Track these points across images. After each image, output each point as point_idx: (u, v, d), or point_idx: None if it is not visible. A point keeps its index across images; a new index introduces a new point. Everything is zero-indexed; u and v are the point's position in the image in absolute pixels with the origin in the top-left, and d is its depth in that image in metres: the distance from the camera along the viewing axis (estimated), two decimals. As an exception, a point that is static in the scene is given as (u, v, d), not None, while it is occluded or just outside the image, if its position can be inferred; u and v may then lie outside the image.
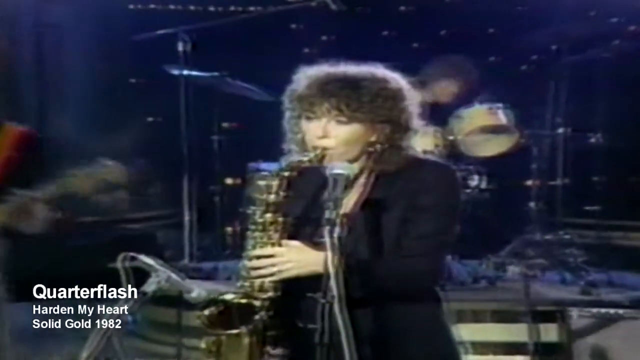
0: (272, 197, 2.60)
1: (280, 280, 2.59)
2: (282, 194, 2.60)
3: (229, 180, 6.20)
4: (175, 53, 5.50)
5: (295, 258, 2.57)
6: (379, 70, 2.67)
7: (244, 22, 5.82)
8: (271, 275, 2.59)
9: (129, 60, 6.33)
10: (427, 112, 2.82)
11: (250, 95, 5.78)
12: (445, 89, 5.60)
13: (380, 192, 2.64)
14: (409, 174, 2.64)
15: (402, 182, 2.63)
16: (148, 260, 2.68)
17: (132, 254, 2.66)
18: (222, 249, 5.86)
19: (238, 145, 6.03)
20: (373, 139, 2.64)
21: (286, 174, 2.61)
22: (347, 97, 2.59)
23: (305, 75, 2.66)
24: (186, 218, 5.65)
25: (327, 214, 2.44)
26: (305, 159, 2.63)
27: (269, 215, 2.60)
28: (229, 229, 5.98)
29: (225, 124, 6.04)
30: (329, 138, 2.62)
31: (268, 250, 2.59)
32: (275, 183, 2.60)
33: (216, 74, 5.71)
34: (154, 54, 5.65)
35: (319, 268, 2.47)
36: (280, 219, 2.60)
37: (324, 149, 2.61)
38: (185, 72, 5.51)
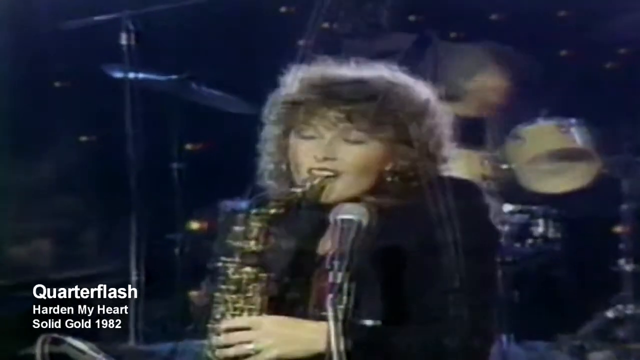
0: (251, 244, 2.62)
1: None
2: (265, 240, 2.62)
3: (193, 225, 6.21)
4: (117, 47, 5.47)
5: (277, 331, 2.59)
6: (399, 74, 2.70)
7: (214, 4, 5.83)
8: (244, 357, 2.59)
9: (53, 57, 6.31)
10: (464, 129, 2.84)
11: (222, 106, 5.82)
12: (481, 99, 5.63)
13: (383, 231, 2.64)
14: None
15: (406, 212, 2.65)
16: (77, 343, 2.71)
17: (55, 335, 2.69)
18: (183, 322, 5.77)
19: (206, 174, 6.04)
20: (389, 167, 2.67)
21: (272, 212, 2.63)
22: (363, 103, 2.61)
23: (299, 76, 2.69)
24: (133, 278, 5.61)
25: (330, 277, 2.43)
26: (299, 190, 2.65)
27: (247, 270, 2.62)
28: (194, 294, 5.93)
29: (188, 146, 6.05)
30: (335, 160, 2.64)
31: (239, 320, 2.61)
32: (256, 225, 2.61)
33: (174, 76, 5.72)
34: (89, 49, 5.66)
35: (312, 346, 2.49)
36: (263, 275, 2.63)
37: (327, 176, 2.63)
38: (132, 74, 5.49)
